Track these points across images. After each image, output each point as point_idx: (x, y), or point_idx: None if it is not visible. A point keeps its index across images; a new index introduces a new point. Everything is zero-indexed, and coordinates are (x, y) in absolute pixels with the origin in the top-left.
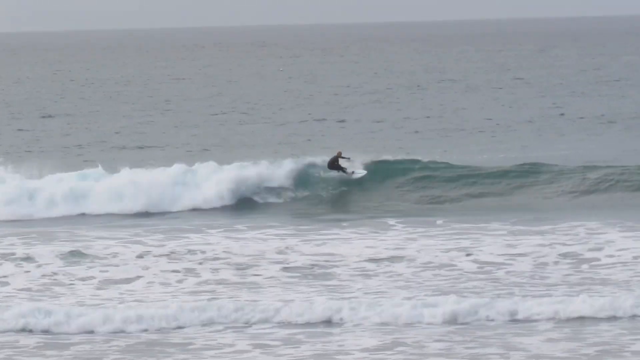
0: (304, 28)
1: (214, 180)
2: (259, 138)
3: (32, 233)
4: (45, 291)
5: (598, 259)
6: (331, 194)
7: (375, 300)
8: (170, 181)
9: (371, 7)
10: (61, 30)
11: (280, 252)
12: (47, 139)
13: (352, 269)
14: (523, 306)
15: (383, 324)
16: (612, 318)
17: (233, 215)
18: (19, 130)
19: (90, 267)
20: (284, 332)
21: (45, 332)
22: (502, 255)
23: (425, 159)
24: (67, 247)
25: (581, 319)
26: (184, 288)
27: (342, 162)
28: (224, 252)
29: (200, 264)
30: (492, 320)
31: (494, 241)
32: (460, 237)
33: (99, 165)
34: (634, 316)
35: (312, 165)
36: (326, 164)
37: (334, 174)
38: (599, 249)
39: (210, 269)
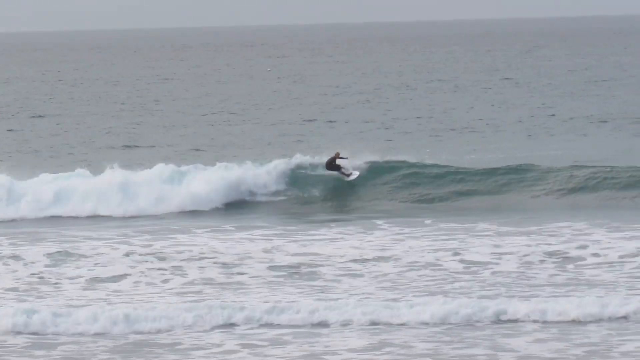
0: (304, 28)
1: (202, 181)
2: (248, 138)
3: (20, 234)
4: (31, 291)
5: (585, 259)
6: (320, 194)
7: (361, 301)
8: (158, 182)
9: (370, 7)
10: (56, 31)
11: (267, 252)
12: (37, 139)
13: (338, 269)
14: (510, 307)
15: (371, 324)
16: (599, 319)
17: (221, 216)
18: (9, 130)
19: (78, 267)
20: (271, 333)
21: (33, 332)
22: (489, 255)
23: (414, 159)
24: (55, 248)
25: (568, 320)
26: (171, 288)
27: (340, 163)
28: (211, 252)
29: (187, 264)
30: (479, 321)
31: (480, 241)
32: (447, 237)
33: (87, 165)
34: (620, 317)
35: (301, 166)
36: (324, 165)
37: (333, 173)
38: (586, 249)
39: (197, 269)
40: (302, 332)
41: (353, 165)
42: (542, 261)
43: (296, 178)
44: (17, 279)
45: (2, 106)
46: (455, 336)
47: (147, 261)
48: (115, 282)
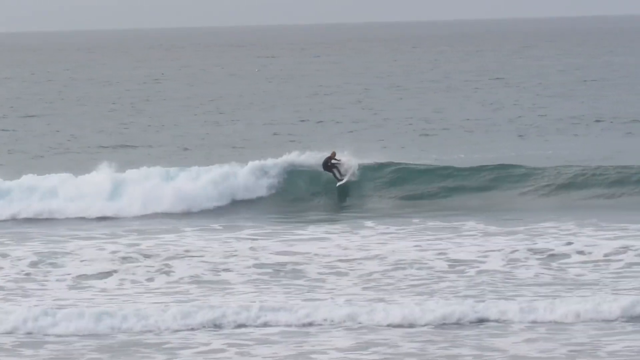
0: (303, 28)
1: (191, 182)
2: (238, 138)
3: (6, 234)
4: (17, 290)
5: (571, 259)
6: (309, 193)
7: (346, 302)
8: (147, 183)
9: (370, 6)
10: (55, 31)
11: (253, 251)
12: (27, 140)
13: (324, 268)
14: (496, 307)
15: (357, 325)
16: (586, 319)
17: (210, 216)
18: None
19: (64, 267)
20: (258, 332)
21: (17, 330)
22: (475, 254)
23: (403, 159)
24: (41, 247)
25: (555, 320)
26: (157, 288)
27: (335, 164)
28: (198, 251)
29: (174, 263)
30: (461, 320)
31: (467, 240)
32: (434, 236)
33: (76, 165)
34: (606, 318)
35: (291, 165)
36: (321, 164)
37: (328, 173)
38: (573, 249)
39: (183, 268)
40: (289, 331)
41: (345, 166)
42: (527, 259)
43: (285, 177)
44: (2, 278)
45: None
46: (442, 336)
47: (133, 260)
48: (101, 280)
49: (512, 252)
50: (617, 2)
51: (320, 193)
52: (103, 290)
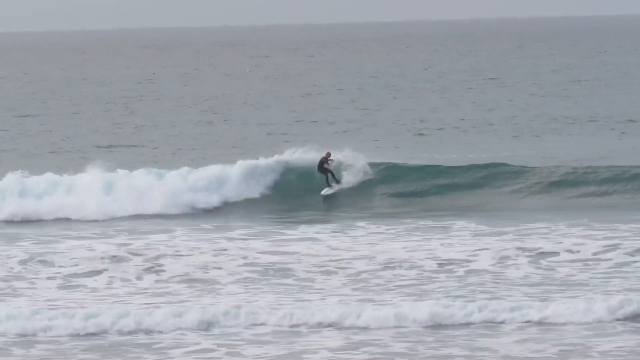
0: (300, 28)
1: (183, 182)
2: (231, 138)
3: None
4: (6, 289)
5: (561, 259)
6: (300, 193)
7: (338, 303)
8: (140, 183)
9: (371, 5)
10: (49, 30)
11: (243, 251)
12: (20, 139)
13: (314, 268)
14: (486, 307)
15: (349, 325)
16: (576, 319)
17: (201, 216)
18: None
19: (54, 267)
20: (249, 332)
21: (8, 331)
22: (465, 254)
23: (397, 159)
24: (32, 247)
25: (545, 321)
26: (147, 289)
27: (329, 167)
28: (188, 251)
29: (164, 263)
30: (456, 321)
31: (458, 241)
32: (425, 236)
33: (69, 165)
34: (597, 318)
35: (283, 165)
36: (316, 165)
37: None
38: (563, 249)
39: (174, 268)
40: (280, 331)
41: (338, 167)
42: (517, 259)
43: (278, 177)
44: None
45: None
46: (432, 336)
47: (123, 260)
48: (90, 280)
49: (503, 252)
50: (611, 2)
51: (312, 193)
52: (93, 289)
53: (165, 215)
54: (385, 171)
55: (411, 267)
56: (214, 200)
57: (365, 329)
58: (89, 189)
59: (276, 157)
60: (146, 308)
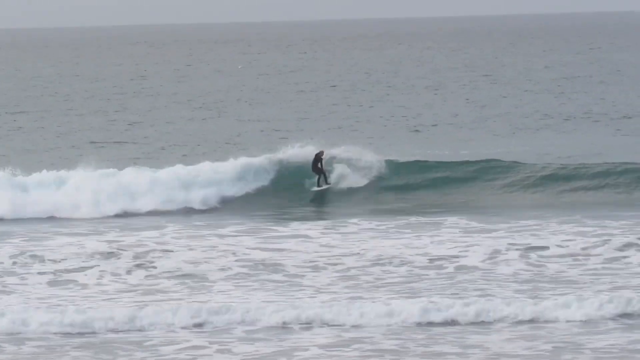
0: (300, 25)
1: (177, 179)
2: (224, 135)
3: None
4: None
5: (553, 256)
6: (294, 190)
7: (327, 300)
8: (132, 181)
9: (371, 3)
10: (34, 28)
11: (233, 247)
12: (13, 136)
13: (304, 265)
14: (477, 304)
15: (339, 322)
16: (568, 317)
17: (194, 212)
18: None
19: (44, 263)
20: (240, 329)
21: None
22: (456, 250)
23: (389, 156)
24: (23, 244)
25: (537, 318)
26: (137, 285)
27: (322, 167)
28: (180, 248)
29: (155, 260)
30: (447, 318)
31: (449, 237)
32: (416, 233)
33: (62, 163)
34: (589, 315)
35: (277, 162)
36: (310, 163)
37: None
38: (555, 246)
39: (164, 265)
40: (271, 329)
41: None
42: (509, 256)
43: (270, 174)
44: None
45: None
46: (423, 334)
47: (113, 257)
48: (81, 277)
49: (494, 248)
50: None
51: (305, 190)
52: (83, 286)
53: (157, 213)
54: (379, 167)
55: (402, 264)
56: (206, 197)
57: (355, 326)
58: (81, 186)
59: (269, 154)
60: (137, 306)
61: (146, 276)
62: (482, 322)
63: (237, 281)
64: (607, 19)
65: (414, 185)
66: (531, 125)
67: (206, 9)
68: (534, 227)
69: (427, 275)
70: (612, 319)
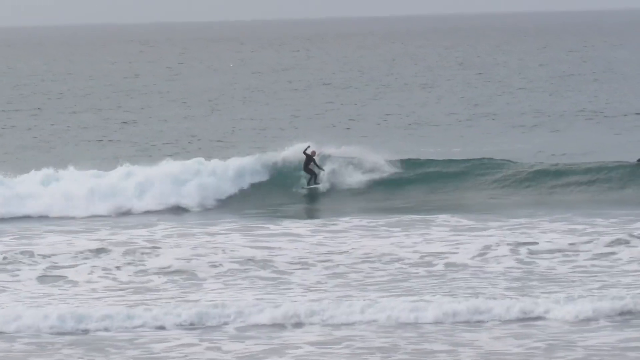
0: (298, 22)
1: (168, 178)
2: (218, 133)
3: None
4: None
5: (543, 254)
6: (286, 190)
7: (317, 298)
8: (127, 179)
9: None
10: (27, 26)
11: (224, 245)
12: (5, 135)
13: (294, 262)
14: (467, 302)
15: (330, 320)
16: (559, 315)
17: (184, 212)
18: None
19: (35, 262)
20: (230, 327)
21: None
22: (447, 247)
23: (382, 154)
24: (14, 243)
25: (527, 316)
26: (128, 283)
27: (313, 168)
28: (170, 246)
29: (146, 259)
30: (438, 316)
31: (440, 235)
32: (407, 231)
33: (55, 162)
34: (580, 312)
35: (269, 161)
36: (302, 162)
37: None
38: (545, 244)
39: (154, 263)
40: (263, 327)
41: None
42: (500, 254)
43: (262, 173)
44: None
45: None
46: (413, 331)
47: (104, 255)
48: (72, 275)
49: (484, 246)
50: None
51: (297, 188)
52: (74, 284)
53: (148, 211)
54: (371, 166)
55: (392, 261)
56: (197, 195)
57: (346, 324)
58: (72, 185)
59: (262, 153)
60: (127, 304)
61: (137, 275)
62: (473, 320)
63: (227, 279)
64: (601, 17)
65: (405, 183)
66: (525, 123)
67: (198, 7)
68: (526, 225)
69: (417, 273)
70: (603, 317)
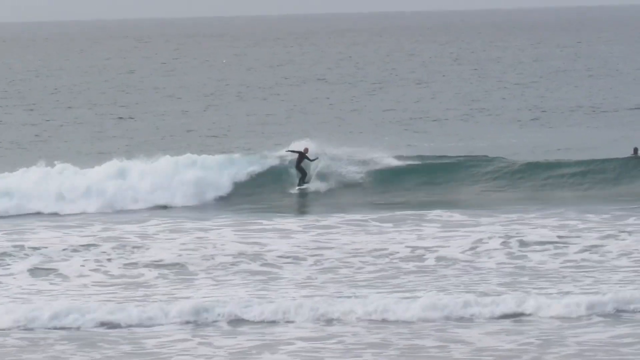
0: (298, 18)
1: (162, 173)
2: (213, 129)
3: None
4: None
5: (534, 249)
6: (279, 186)
7: (309, 294)
8: (121, 176)
9: None
10: (22, 22)
11: (215, 241)
12: (1, 131)
13: (285, 258)
14: (458, 299)
15: (323, 317)
16: (551, 311)
17: (179, 208)
18: None
19: (27, 258)
20: (222, 323)
21: None
22: (439, 243)
23: (375, 150)
24: (5, 239)
25: (520, 312)
26: (120, 277)
27: (304, 167)
28: (162, 244)
29: (138, 255)
30: (430, 312)
31: (432, 230)
32: (399, 227)
33: (51, 159)
34: (571, 309)
35: (264, 157)
36: (294, 160)
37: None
38: (537, 239)
39: (146, 258)
40: (253, 323)
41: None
42: (491, 249)
43: (256, 169)
44: None
45: None
46: (406, 327)
47: (95, 250)
48: (63, 270)
49: (476, 241)
50: None
51: (290, 185)
52: (65, 278)
53: (141, 207)
54: (364, 162)
55: (382, 256)
56: (191, 191)
57: (338, 320)
58: (67, 181)
59: (255, 149)
60: (120, 299)
61: (129, 270)
62: (465, 316)
63: (218, 274)
64: (596, 12)
65: (398, 179)
66: (520, 119)
67: (194, 3)
68: (517, 220)
69: (407, 268)
70: (595, 312)
